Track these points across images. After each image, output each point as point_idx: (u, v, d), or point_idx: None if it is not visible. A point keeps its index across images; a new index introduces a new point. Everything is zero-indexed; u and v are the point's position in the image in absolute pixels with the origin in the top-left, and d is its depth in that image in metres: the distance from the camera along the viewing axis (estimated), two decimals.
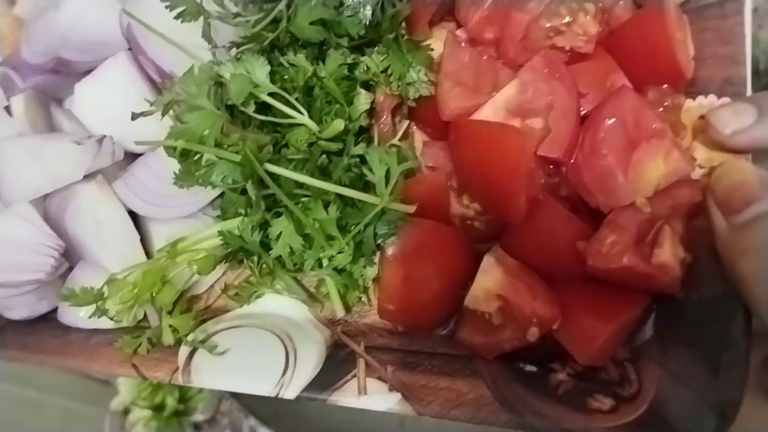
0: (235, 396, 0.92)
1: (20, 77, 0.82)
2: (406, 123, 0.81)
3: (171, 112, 0.74)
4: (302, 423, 0.96)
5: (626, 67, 0.76)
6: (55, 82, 0.83)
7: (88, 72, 0.82)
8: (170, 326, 0.73)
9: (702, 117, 0.74)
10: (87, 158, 0.75)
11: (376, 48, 0.79)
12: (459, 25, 0.86)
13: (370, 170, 0.69)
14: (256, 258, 0.78)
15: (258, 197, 0.69)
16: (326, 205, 0.69)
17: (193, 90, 0.67)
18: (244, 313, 0.80)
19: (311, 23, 0.75)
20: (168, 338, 0.72)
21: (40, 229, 0.74)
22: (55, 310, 0.81)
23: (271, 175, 0.69)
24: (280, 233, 0.71)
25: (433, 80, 0.79)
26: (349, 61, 0.78)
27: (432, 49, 0.81)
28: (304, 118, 0.73)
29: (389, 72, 0.79)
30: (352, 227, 0.70)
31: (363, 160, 0.72)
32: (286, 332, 0.77)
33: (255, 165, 0.66)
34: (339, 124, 0.72)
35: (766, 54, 1.12)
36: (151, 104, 0.68)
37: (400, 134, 0.79)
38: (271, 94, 0.74)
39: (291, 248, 0.71)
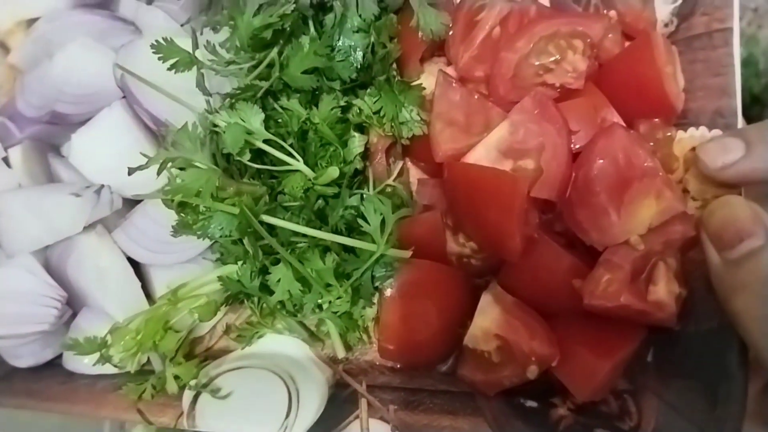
0: None
1: (17, 127, 0.83)
2: (400, 163, 0.81)
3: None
4: None
5: (617, 101, 0.77)
6: (52, 131, 0.84)
7: (85, 121, 0.82)
8: (174, 375, 0.73)
9: (693, 149, 0.75)
10: (86, 210, 0.76)
11: (368, 90, 0.80)
12: (450, 61, 0.87)
13: (366, 221, 0.69)
14: (256, 299, 0.79)
15: (255, 248, 0.70)
16: (324, 251, 0.70)
17: (188, 146, 0.68)
18: (245, 353, 0.80)
19: (304, 72, 0.76)
20: (172, 387, 0.73)
21: (43, 280, 0.75)
22: (60, 356, 0.82)
23: (269, 223, 0.70)
24: (279, 279, 0.72)
25: (426, 119, 0.80)
26: (342, 103, 0.79)
27: (424, 88, 0.82)
28: (299, 164, 0.74)
29: (382, 113, 0.80)
30: (351, 272, 0.71)
31: (358, 209, 0.73)
32: (288, 372, 0.78)
33: (251, 219, 0.67)
34: (334, 172, 0.73)
35: (765, 54, 1.12)
36: (148, 160, 0.69)
37: (395, 175, 0.80)
38: (266, 141, 0.75)
39: (290, 293, 0.72)
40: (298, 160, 0.75)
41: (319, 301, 0.73)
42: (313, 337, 0.81)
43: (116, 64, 0.78)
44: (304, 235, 0.72)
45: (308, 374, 0.78)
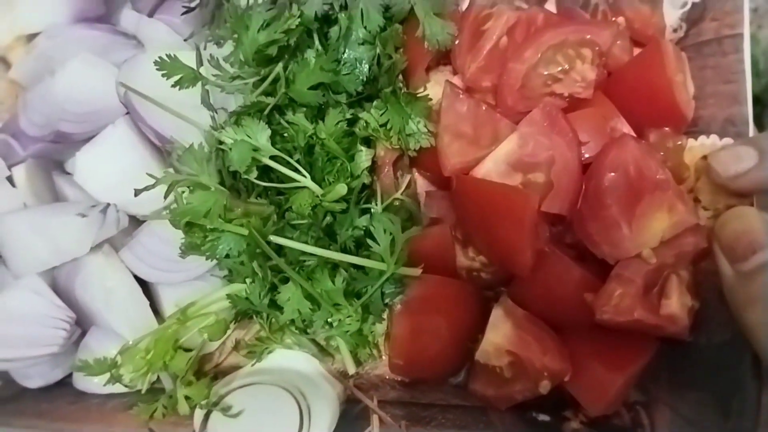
0: None
1: (20, 145, 0.83)
2: (408, 176, 0.81)
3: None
4: None
5: (626, 110, 0.76)
6: (56, 148, 0.83)
7: (89, 139, 0.81)
8: (185, 395, 0.73)
9: (704, 158, 0.74)
10: (92, 231, 0.75)
11: (374, 103, 0.79)
12: (456, 71, 0.86)
13: (375, 241, 0.69)
14: (265, 315, 0.79)
15: (264, 269, 0.70)
16: (333, 268, 0.70)
17: (194, 167, 0.68)
18: (255, 369, 0.80)
19: (310, 87, 0.75)
20: (183, 408, 0.72)
21: (51, 301, 0.75)
22: (70, 375, 0.82)
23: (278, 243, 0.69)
24: (289, 298, 0.71)
25: (433, 130, 0.79)
26: (348, 117, 0.78)
27: (430, 99, 0.81)
28: (307, 181, 0.74)
29: (389, 126, 0.79)
30: (361, 291, 0.71)
31: (367, 229, 0.72)
32: (298, 388, 0.78)
33: (259, 241, 0.66)
34: (342, 188, 0.72)
35: (765, 54, 1.11)
36: (155, 181, 0.68)
37: (403, 188, 0.79)
38: (273, 158, 0.74)
39: (299, 312, 0.72)
40: (305, 177, 0.74)
41: (329, 319, 0.72)
42: (323, 352, 0.81)
43: (119, 82, 0.77)
44: (313, 254, 0.71)
45: (319, 390, 0.78)
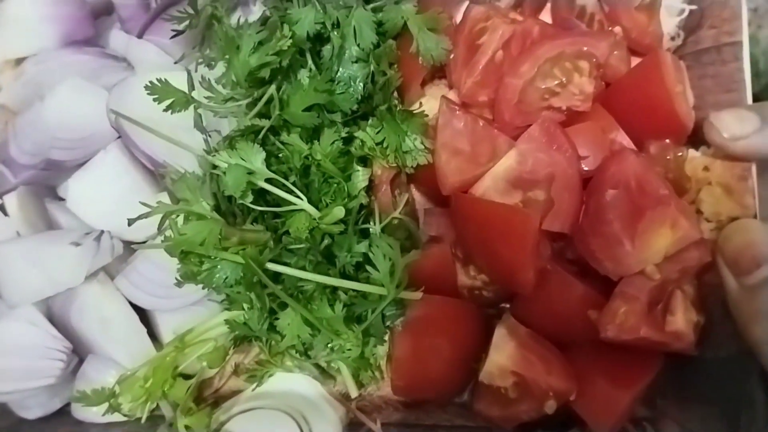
0: None
1: (11, 173, 0.81)
2: (406, 195, 0.79)
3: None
4: None
5: (625, 122, 0.75)
6: (48, 175, 0.82)
7: (81, 164, 0.80)
8: (185, 426, 0.72)
9: (706, 168, 0.73)
10: (86, 259, 0.74)
11: (369, 121, 0.78)
12: (451, 85, 0.85)
13: (374, 267, 0.68)
14: (264, 338, 0.78)
15: (262, 297, 0.69)
16: (332, 291, 0.69)
17: (188, 196, 0.66)
18: (256, 393, 0.79)
19: (305, 109, 0.74)
20: None
21: (47, 332, 0.74)
22: (68, 404, 0.80)
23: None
24: (289, 323, 0.70)
25: (430, 147, 0.78)
26: (344, 135, 0.77)
27: (426, 115, 0.79)
28: (303, 203, 0.72)
29: (385, 144, 0.77)
30: (362, 315, 0.69)
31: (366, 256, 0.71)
32: (300, 412, 0.77)
33: (256, 270, 0.65)
34: (339, 212, 0.71)
35: (765, 54, 1.10)
36: (150, 210, 0.67)
37: (401, 206, 0.78)
38: (268, 180, 0.73)
39: (299, 337, 0.71)
40: (302, 199, 0.73)
41: (330, 344, 0.71)
42: (324, 374, 0.80)
43: (109, 108, 0.76)
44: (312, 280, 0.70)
45: (321, 413, 0.77)
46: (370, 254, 0.69)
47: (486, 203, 0.70)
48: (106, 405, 0.73)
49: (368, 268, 0.68)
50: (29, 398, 0.77)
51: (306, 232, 0.72)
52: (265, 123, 0.74)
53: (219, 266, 0.69)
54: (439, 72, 0.86)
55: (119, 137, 0.81)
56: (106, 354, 0.77)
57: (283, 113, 0.74)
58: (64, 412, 0.81)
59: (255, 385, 0.80)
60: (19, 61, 0.88)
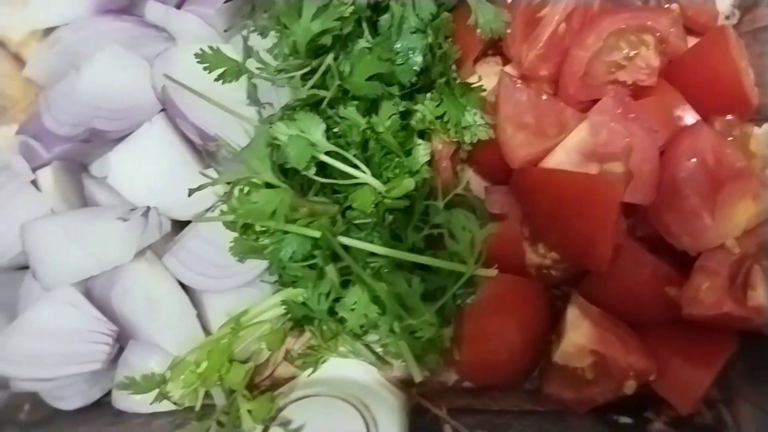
0: None
1: (43, 147, 0.76)
2: (467, 171, 0.77)
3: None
4: None
5: (690, 98, 0.74)
6: (82, 150, 0.77)
7: (121, 138, 0.76)
8: (248, 410, 0.67)
9: None
10: (135, 236, 0.69)
11: (428, 95, 0.75)
12: (505, 60, 0.83)
13: (453, 238, 0.64)
14: (317, 322, 0.74)
15: (333, 271, 0.65)
16: (398, 269, 0.66)
17: (256, 165, 0.62)
18: (311, 380, 0.75)
19: (367, 79, 0.70)
20: (249, 425, 0.66)
21: (90, 314, 0.68)
22: (107, 394, 0.75)
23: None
24: (356, 302, 0.67)
25: (489, 122, 0.76)
26: (401, 109, 0.74)
27: (484, 90, 0.77)
28: (368, 177, 0.69)
29: (445, 118, 0.75)
30: (435, 293, 0.66)
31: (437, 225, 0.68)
32: (360, 400, 0.73)
33: (333, 242, 0.62)
34: (409, 183, 0.67)
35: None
36: (213, 180, 0.63)
37: (463, 183, 0.75)
38: (329, 153, 0.69)
39: (366, 317, 0.67)
40: (365, 173, 0.69)
41: (398, 324, 0.67)
42: (381, 359, 0.76)
43: (164, 75, 0.72)
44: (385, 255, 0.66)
45: (381, 400, 0.73)
46: (450, 225, 0.66)
47: (564, 174, 0.68)
48: (153, 393, 0.68)
49: (447, 241, 0.65)
50: (67, 387, 0.72)
51: (372, 207, 0.69)
52: (326, 93, 0.70)
53: (286, 240, 0.65)
54: (490, 48, 0.84)
55: (162, 110, 0.76)
56: (149, 339, 0.72)
57: (344, 83, 0.71)
58: (102, 403, 0.75)
59: (310, 371, 0.75)
60: (47, 33, 0.83)
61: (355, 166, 0.70)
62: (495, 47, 0.83)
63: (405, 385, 0.76)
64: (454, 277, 0.67)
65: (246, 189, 0.65)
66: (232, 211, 0.63)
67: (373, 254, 0.66)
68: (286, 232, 0.65)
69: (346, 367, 0.77)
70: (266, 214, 0.62)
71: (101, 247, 0.69)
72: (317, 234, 0.63)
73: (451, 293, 0.66)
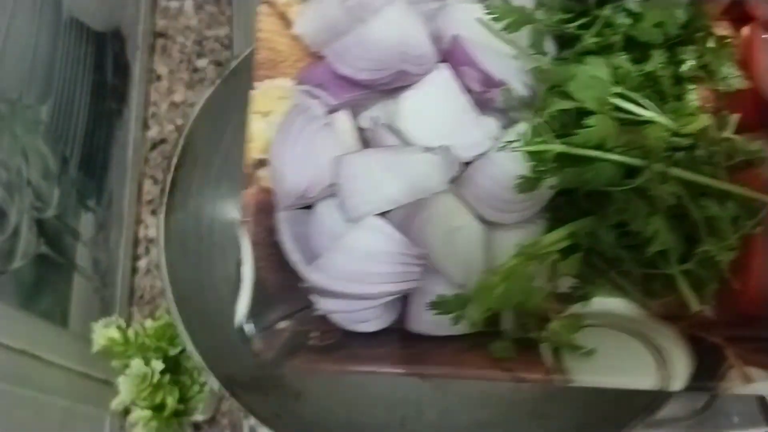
0: (235, 396, 0.91)
1: (330, 95, 0.83)
2: (734, 116, 0.82)
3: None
4: (304, 423, 0.94)
5: None
6: (361, 99, 0.84)
7: (393, 89, 0.82)
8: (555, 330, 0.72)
9: None
10: (445, 165, 0.75)
11: (691, 46, 0.81)
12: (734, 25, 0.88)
13: None
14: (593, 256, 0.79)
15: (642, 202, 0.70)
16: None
17: (586, 95, 0.68)
18: (589, 313, 0.79)
19: (655, 26, 0.76)
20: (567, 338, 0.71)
21: (402, 240, 0.74)
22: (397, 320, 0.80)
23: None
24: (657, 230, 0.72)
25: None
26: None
27: (732, 44, 0.83)
28: (659, 116, 0.75)
29: (710, 68, 0.80)
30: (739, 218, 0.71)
31: None
32: (635, 330, 0.77)
33: (659, 168, 0.67)
34: (704, 119, 0.73)
35: None
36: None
37: (731, 127, 0.80)
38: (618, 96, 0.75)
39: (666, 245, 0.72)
40: (655, 113, 0.75)
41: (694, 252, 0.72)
42: (648, 294, 0.81)
43: (477, 18, 0.79)
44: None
45: (659, 333, 0.77)
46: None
47: None
48: (453, 315, 0.74)
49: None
50: (370, 310, 0.77)
51: (664, 143, 0.74)
52: (616, 39, 0.77)
53: (600, 168, 0.70)
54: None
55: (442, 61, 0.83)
56: (442, 267, 0.78)
57: (631, 29, 0.77)
58: (390, 329, 0.81)
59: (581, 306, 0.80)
60: None
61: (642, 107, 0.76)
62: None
63: (676, 318, 0.80)
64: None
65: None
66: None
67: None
68: (602, 161, 0.70)
69: (609, 304, 0.81)
70: (596, 140, 0.68)
71: (417, 176, 0.75)
72: (639, 162, 0.68)
73: (757, 219, 0.71)
